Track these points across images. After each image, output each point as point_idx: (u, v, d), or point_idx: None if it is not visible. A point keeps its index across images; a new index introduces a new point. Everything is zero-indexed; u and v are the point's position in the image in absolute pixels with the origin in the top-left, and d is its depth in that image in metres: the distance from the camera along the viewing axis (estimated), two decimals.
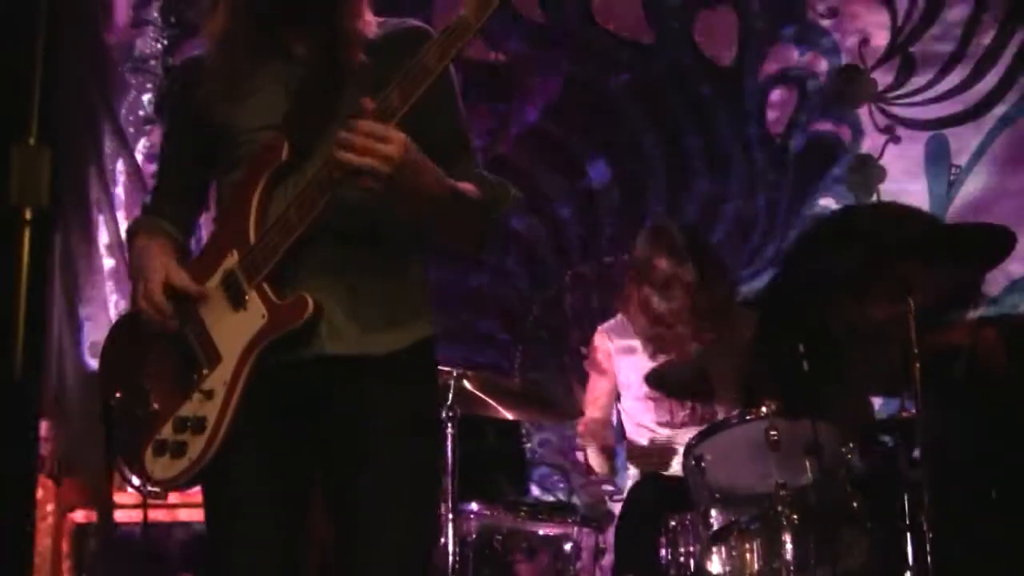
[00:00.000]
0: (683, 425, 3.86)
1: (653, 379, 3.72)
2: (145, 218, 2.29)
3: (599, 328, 4.17)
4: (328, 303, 2.01)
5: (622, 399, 4.04)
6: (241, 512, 2.06)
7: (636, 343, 4.00)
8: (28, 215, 0.99)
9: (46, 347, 4.01)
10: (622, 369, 4.01)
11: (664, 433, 3.88)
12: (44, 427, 4.04)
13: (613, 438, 4.12)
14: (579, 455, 4.04)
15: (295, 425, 2.07)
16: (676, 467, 3.59)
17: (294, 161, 2.03)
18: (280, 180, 2.05)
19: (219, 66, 2.13)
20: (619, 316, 4.10)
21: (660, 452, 3.80)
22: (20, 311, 0.94)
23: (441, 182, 1.96)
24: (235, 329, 2.03)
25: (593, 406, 4.06)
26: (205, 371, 2.05)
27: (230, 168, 2.13)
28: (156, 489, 2.11)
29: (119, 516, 3.99)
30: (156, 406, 2.09)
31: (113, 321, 3.31)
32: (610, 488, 3.88)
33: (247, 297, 2.02)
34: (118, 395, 2.14)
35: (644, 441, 3.90)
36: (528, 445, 4.79)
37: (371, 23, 2.13)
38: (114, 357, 2.22)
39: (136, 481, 2.12)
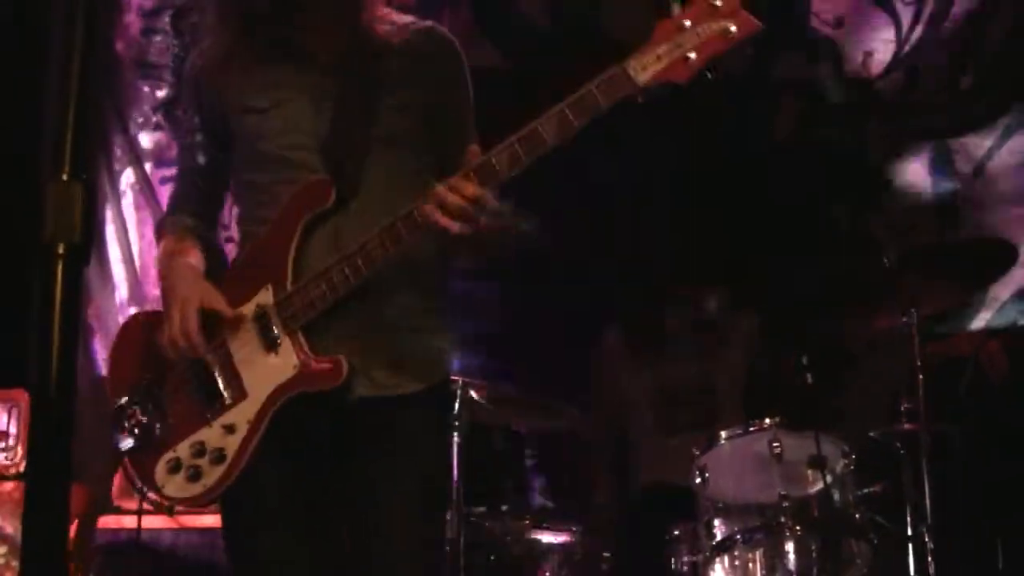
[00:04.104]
0: (685, 430, 3.87)
1: (657, 392, 3.74)
2: (171, 218, 2.25)
3: (606, 331, 4.17)
4: (367, 350, 2.02)
5: (626, 400, 4.02)
6: (265, 532, 2.06)
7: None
8: (61, 250, 1.02)
9: None
10: (628, 370, 4.00)
11: (666, 438, 3.90)
12: None
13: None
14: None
15: (318, 448, 2.07)
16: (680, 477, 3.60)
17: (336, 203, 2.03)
18: (321, 220, 2.04)
19: (229, 70, 2.09)
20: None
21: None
22: (54, 348, 0.97)
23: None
24: (264, 371, 2.02)
25: (595, 402, 4.09)
26: (228, 401, 2.04)
27: (253, 168, 2.11)
28: (165, 502, 2.13)
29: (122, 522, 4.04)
30: (172, 421, 2.08)
31: None
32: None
33: (279, 341, 2.01)
34: (127, 397, 2.11)
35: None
36: (531, 452, 4.79)
37: (387, 17, 2.11)
38: (127, 358, 2.18)
39: (143, 487, 2.11)
